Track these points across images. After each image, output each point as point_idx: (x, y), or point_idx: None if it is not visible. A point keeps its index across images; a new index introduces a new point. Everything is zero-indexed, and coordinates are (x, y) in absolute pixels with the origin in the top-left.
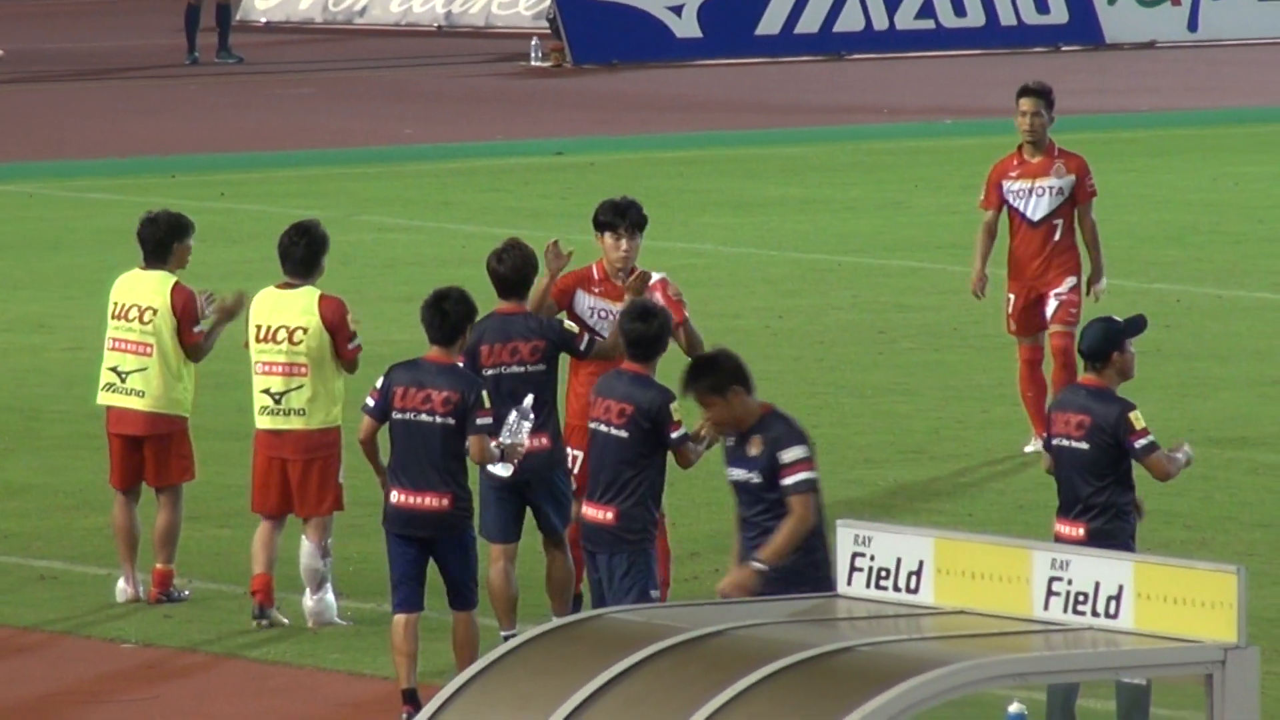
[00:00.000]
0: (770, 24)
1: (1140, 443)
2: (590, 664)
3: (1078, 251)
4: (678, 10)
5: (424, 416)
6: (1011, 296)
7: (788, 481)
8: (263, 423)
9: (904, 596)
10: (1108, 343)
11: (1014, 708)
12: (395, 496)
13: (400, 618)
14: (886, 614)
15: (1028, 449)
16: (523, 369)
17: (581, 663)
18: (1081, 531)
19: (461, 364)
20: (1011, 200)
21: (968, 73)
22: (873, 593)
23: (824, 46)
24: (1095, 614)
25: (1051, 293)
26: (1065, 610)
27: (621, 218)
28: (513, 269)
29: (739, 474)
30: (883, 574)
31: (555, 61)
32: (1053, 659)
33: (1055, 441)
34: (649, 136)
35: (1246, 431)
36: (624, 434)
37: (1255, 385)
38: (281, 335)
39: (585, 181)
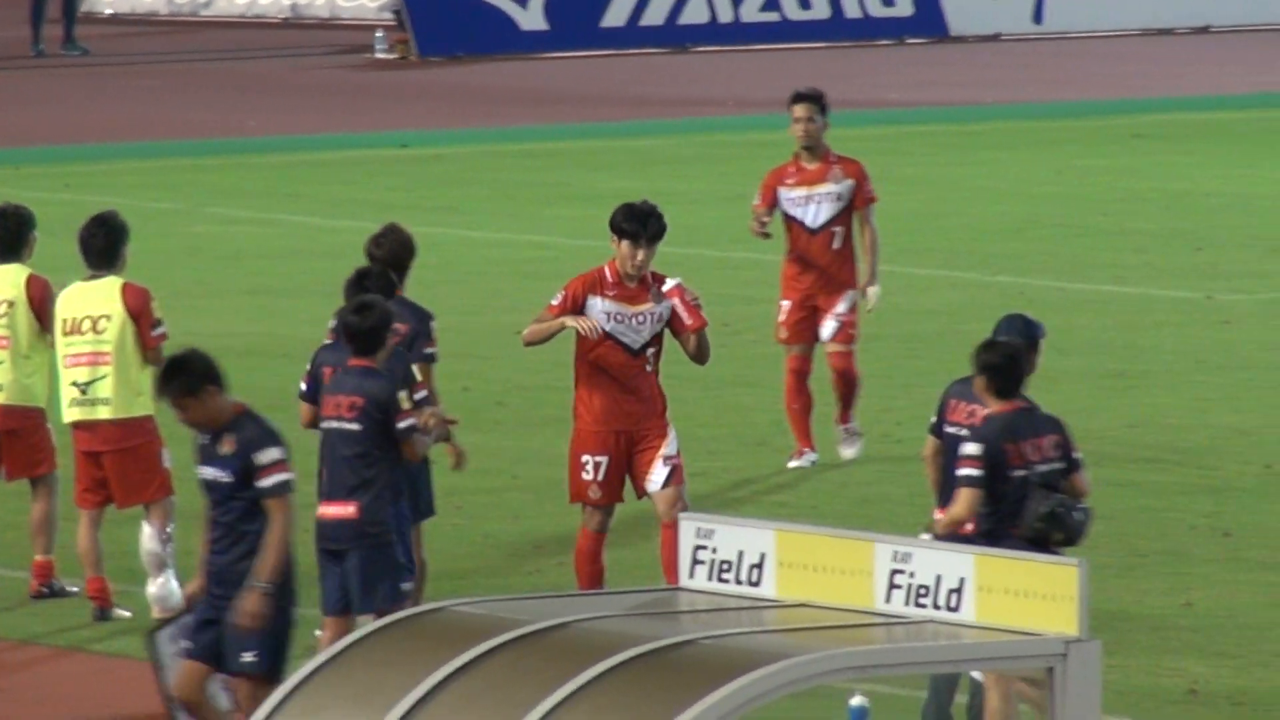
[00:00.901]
0: (616, 16)
1: None
2: (432, 657)
3: (855, 263)
4: (523, 3)
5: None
6: (786, 304)
7: (265, 484)
8: (72, 415)
9: (746, 589)
10: (1026, 339)
11: (855, 700)
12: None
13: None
14: (729, 607)
15: (791, 464)
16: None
17: (423, 656)
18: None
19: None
20: (789, 209)
21: (813, 65)
22: (715, 585)
23: (669, 39)
24: (937, 607)
25: (831, 312)
26: (907, 603)
27: (643, 227)
28: (390, 254)
29: (210, 473)
30: (725, 567)
31: (401, 54)
32: (894, 652)
33: (951, 429)
34: (495, 129)
35: (1088, 424)
36: (357, 427)
37: (1096, 378)
38: (86, 325)
39: (431, 174)
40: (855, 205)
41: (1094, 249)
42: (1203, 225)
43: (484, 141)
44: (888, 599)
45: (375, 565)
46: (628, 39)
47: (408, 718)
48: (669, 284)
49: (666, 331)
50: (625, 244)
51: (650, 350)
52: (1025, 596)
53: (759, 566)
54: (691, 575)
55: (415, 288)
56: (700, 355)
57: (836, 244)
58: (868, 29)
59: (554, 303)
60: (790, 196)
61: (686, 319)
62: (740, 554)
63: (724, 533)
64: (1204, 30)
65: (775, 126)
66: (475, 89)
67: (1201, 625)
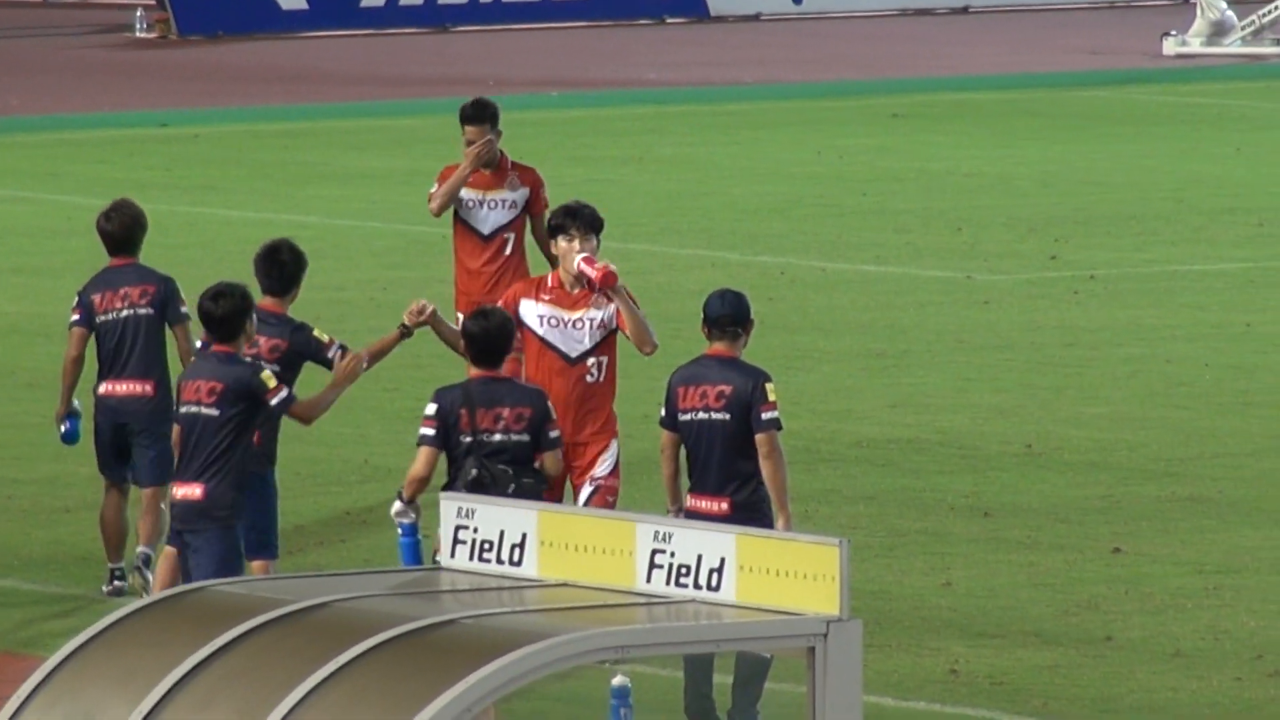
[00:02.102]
0: None
1: (768, 415)
2: (194, 637)
3: (527, 268)
4: None
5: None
6: (461, 315)
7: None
8: None
9: (507, 569)
10: (746, 311)
11: (617, 680)
12: None
13: (171, 551)
14: (489, 587)
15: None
16: (132, 311)
17: (185, 635)
18: (726, 505)
19: (278, 313)
20: (461, 212)
21: (574, 45)
22: (476, 565)
23: (429, 19)
24: (698, 586)
25: None
26: (668, 583)
27: (572, 218)
28: (121, 227)
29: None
30: (486, 546)
31: (160, 33)
32: (654, 631)
33: (688, 416)
34: (254, 108)
35: (850, 404)
36: (215, 412)
37: (858, 358)
38: None
39: (190, 153)
40: (532, 213)
41: (854, 229)
42: (962, 205)
43: (243, 121)
44: (648, 579)
45: (221, 547)
46: (387, 18)
47: (168, 698)
48: (578, 259)
49: (620, 342)
50: (561, 240)
51: (593, 360)
52: (786, 576)
53: (520, 546)
54: (452, 555)
55: (176, 267)
56: (634, 336)
57: (507, 250)
58: (628, 8)
59: None
60: (463, 199)
61: (591, 274)
62: (502, 533)
63: (485, 512)
64: (963, 11)
65: (536, 106)
66: (234, 68)
67: (961, 605)
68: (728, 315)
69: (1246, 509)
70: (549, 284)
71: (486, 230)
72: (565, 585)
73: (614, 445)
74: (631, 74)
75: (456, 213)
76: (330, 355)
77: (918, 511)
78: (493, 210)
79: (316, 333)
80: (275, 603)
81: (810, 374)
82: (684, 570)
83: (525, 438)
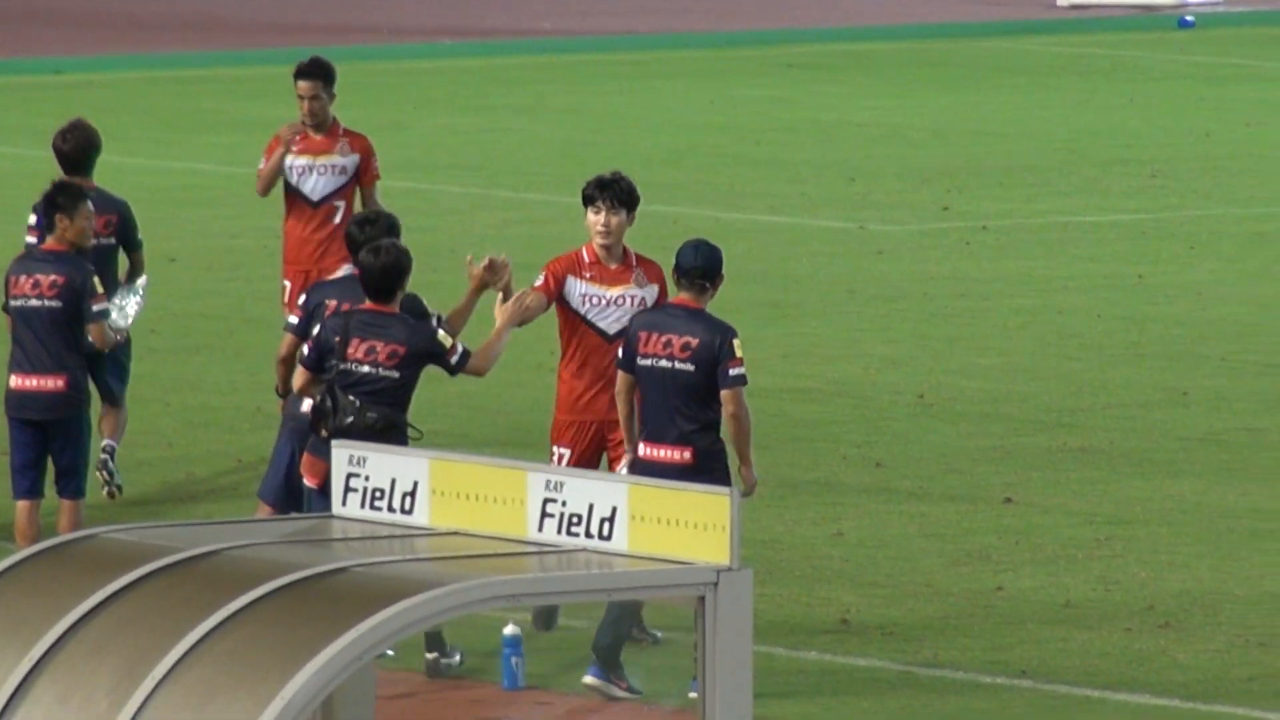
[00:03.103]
0: None
1: (735, 371)
2: (84, 584)
3: None
4: None
5: (33, 301)
6: (288, 284)
7: None
8: None
9: (399, 518)
10: (718, 264)
11: (509, 629)
12: (13, 381)
13: (23, 504)
14: (380, 535)
15: None
16: (97, 240)
17: (75, 583)
18: (689, 454)
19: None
20: (290, 179)
21: None
22: (367, 513)
23: None
24: (589, 535)
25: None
26: (559, 532)
27: (600, 190)
28: (75, 148)
29: None
30: (377, 495)
31: None
32: (546, 580)
33: (647, 362)
34: (151, 55)
35: (745, 354)
36: (395, 374)
37: (754, 308)
38: None
39: (84, 100)
40: (361, 183)
41: (748, 179)
42: (855, 156)
43: (139, 68)
44: (540, 528)
45: None
46: None
47: (58, 645)
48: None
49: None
50: (589, 212)
51: None
52: (677, 525)
53: (411, 495)
54: (344, 503)
55: None
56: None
57: (336, 219)
58: None
59: (536, 284)
60: (292, 165)
61: None
62: (393, 482)
63: (376, 460)
64: None
65: (431, 55)
66: (131, 15)
67: (853, 555)
68: (699, 268)
69: (1137, 460)
70: (586, 260)
71: (315, 198)
72: (456, 534)
73: None
74: (526, 23)
75: (286, 180)
76: (94, 309)
77: (809, 461)
78: (322, 176)
79: (95, 280)
80: (166, 550)
81: None
82: (575, 519)
83: (396, 374)
